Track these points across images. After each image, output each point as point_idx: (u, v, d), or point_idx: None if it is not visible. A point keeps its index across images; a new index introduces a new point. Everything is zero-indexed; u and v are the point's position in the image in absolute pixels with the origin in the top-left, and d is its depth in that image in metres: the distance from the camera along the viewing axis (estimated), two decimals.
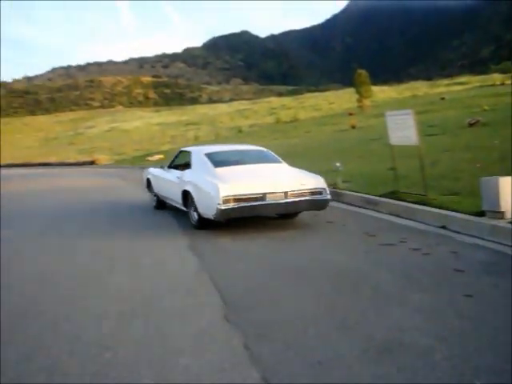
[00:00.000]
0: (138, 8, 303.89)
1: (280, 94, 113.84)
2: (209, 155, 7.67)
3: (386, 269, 4.41)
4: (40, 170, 31.72)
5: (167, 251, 5.76)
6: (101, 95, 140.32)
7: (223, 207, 6.20)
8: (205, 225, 6.79)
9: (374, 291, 3.79)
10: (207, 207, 6.52)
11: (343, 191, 8.98)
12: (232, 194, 6.33)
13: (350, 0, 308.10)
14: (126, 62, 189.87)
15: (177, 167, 8.41)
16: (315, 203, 6.88)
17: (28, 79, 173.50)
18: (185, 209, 7.47)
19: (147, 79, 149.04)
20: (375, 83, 47.88)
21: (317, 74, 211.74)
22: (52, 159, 42.83)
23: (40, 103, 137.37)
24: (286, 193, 6.58)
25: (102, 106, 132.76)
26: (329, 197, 6.97)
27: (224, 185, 6.40)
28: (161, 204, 9.27)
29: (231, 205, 6.28)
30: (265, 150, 8.54)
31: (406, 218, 6.81)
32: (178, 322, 3.34)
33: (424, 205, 6.80)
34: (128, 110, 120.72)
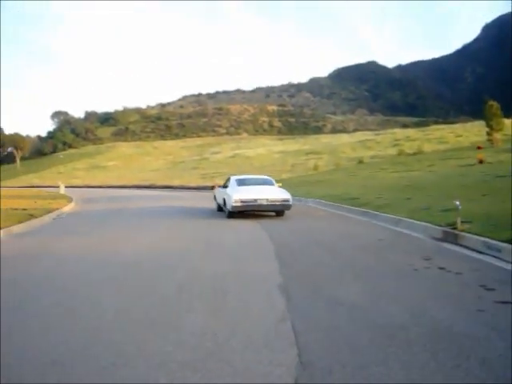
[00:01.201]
0: (269, 40, 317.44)
1: (405, 126, 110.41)
2: (237, 179, 14.89)
3: (498, 336, 3.61)
4: (156, 193, 33.58)
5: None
6: (228, 122, 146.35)
7: (234, 204, 13.07)
8: (231, 216, 13.55)
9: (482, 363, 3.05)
10: (229, 205, 13.39)
11: (462, 233, 8.00)
12: (239, 198, 13.11)
13: (482, 30, 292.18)
14: (253, 91, 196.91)
15: (225, 186, 15.03)
16: (283, 206, 13.47)
17: (161, 106, 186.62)
18: (232, 206, 13.25)
19: (273, 108, 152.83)
20: (508, 116, 44.24)
21: (445, 106, 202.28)
22: (175, 182, 45.17)
23: (170, 129, 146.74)
24: (267, 199, 13.24)
25: (228, 133, 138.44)
26: (291, 203, 13.60)
27: (236, 193, 13.29)
28: (219, 208, 15.68)
29: (238, 204, 13.09)
30: (269, 178, 16.11)
31: None
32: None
33: None
34: (253, 137, 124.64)
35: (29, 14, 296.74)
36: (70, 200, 23.82)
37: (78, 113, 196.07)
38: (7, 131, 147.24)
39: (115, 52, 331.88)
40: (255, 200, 13.13)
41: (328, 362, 3.09)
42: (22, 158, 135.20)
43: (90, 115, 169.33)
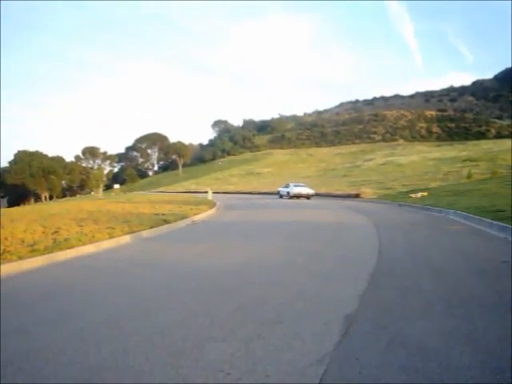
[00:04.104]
0: (426, 46, 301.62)
1: None
2: (293, 184, 41.37)
3: None
4: (300, 201, 33.64)
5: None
6: (383, 129, 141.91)
7: (291, 194, 39.37)
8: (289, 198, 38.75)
9: None
10: (287, 194, 40.16)
11: None
12: (292, 192, 39.47)
13: None
14: (412, 96, 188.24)
15: (286, 186, 41.84)
16: (308, 195, 38.42)
17: (318, 113, 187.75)
18: (285, 196, 40.42)
19: (431, 113, 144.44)
20: None
21: None
22: (322, 190, 44.87)
23: (325, 135, 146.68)
24: (302, 192, 39.08)
25: (384, 140, 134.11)
26: (312, 194, 38.89)
27: (293, 189, 39.84)
28: (280, 196, 41.84)
29: (292, 194, 39.44)
30: (304, 183, 42.94)
31: None
32: None
33: None
34: (409, 143, 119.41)
35: (192, 31, 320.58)
36: (211, 206, 24.89)
37: (236, 121, 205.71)
38: (172, 140, 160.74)
39: (273, 63, 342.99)
40: (299, 193, 38.76)
41: None
42: (184, 165, 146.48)
43: (247, 123, 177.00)
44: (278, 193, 43.47)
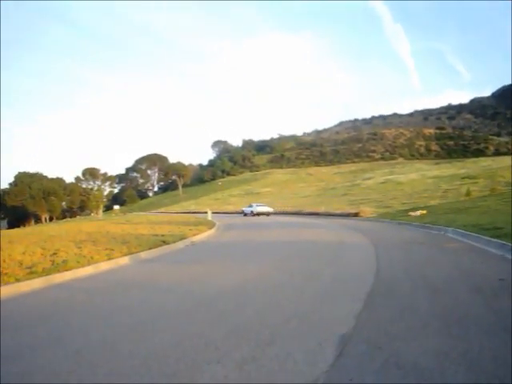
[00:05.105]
0: (423, 64, 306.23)
1: None
2: (255, 204, 50.10)
3: None
4: (300, 220, 33.58)
5: None
6: (382, 147, 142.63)
7: (255, 212, 46.99)
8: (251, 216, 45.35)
9: None
10: (251, 212, 47.37)
11: None
12: (255, 210, 47.10)
13: None
14: (410, 115, 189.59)
15: (250, 206, 50.14)
16: (268, 213, 46.99)
17: (317, 132, 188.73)
18: (249, 214, 48.17)
19: (430, 131, 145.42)
20: None
21: None
22: (322, 209, 44.90)
23: (325, 155, 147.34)
24: (263, 211, 47.23)
25: (383, 158, 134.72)
26: (272, 212, 47.62)
27: (256, 208, 47.72)
28: (244, 215, 49.08)
29: (255, 212, 46.93)
30: (265, 204, 51.64)
31: None
32: None
33: None
34: (408, 162, 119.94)
35: (191, 51, 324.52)
36: (211, 227, 24.91)
37: (236, 141, 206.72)
38: (171, 160, 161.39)
39: (271, 83, 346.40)
40: (260, 211, 46.97)
41: None
42: (184, 185, 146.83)
43: (247, 143, 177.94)
44: (242, 212, 51.65)
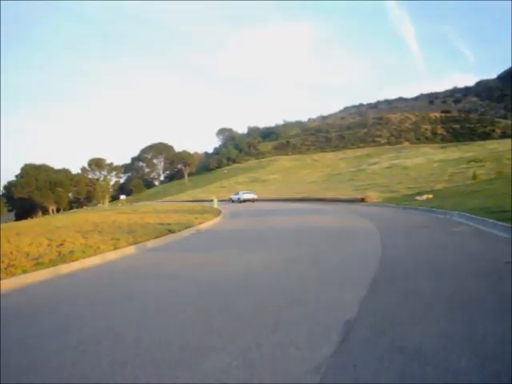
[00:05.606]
0: (428, 48, 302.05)
1: None
2: (242, 192, 57.14)
3: None
4: (306, 206, 33.57)
5: None
6: (388, 132, 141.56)
7: (241, 199, 53.91)
8: (240, 202, 52.47)
9: None
10: (238, 199, 54.28)
11: None
12: (242, 197, 54.07)
13: None
14: (415, 99, 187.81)
15: (237, 193, 57.31)
16: (254, 199, 53.72)
17: (322, 118, 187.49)
18: (236, 201, 54.41)
19: (435, 115, 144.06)
20: None
21: None
22: (328, 195, 44.85)
23: (330, 140, 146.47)
24: (249, 198, 54.14)
25: (389, 143, 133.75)
26: (256, 198, 54.50)
27: (242, 195, 54.78)
28: (232, 202, 55.16)
29: (242, 199, 53.65)
30: (251, 191, 59.18)
31: None
32: None
33: None
34: (414, 146, 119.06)
35: (194, 39, 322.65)
36: (217, 214, 24.95)
37: (241, 129, 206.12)
38: (177, 149, 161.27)
39: (276, 69, 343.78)
40: (247, 198, 53.86)
41: None
42: (190, 174, 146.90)
43: (252, 130, 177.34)
44: (230, 199, 57.64)
